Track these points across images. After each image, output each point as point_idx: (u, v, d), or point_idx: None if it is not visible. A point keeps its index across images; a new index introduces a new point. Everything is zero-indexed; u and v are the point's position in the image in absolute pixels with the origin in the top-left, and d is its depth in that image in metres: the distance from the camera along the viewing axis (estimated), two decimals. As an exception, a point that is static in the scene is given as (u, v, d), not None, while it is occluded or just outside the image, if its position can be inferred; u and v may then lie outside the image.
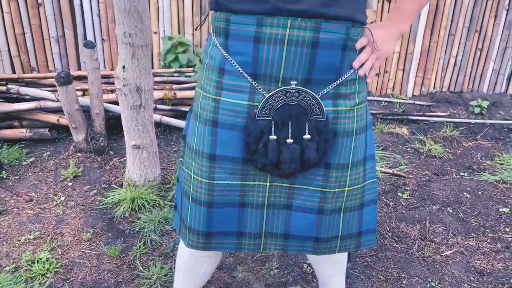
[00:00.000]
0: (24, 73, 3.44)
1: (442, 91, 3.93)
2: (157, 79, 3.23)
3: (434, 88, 3.88)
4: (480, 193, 2.42)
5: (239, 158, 1.01)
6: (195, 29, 2.46)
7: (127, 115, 2.03)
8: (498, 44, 3.77)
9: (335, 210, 1.07)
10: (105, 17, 3.41)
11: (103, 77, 3.19)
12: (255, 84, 0.96)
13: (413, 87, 3.84)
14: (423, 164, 2.77)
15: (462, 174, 2.65)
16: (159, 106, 2.76)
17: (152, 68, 3.02)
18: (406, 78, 3.80)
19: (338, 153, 1.02)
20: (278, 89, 0.95)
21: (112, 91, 2.93)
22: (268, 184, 1.04)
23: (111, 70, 3.48)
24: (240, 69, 0.96)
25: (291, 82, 0.94)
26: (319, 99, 0.96)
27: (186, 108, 2.81)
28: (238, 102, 0.98)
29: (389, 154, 2.84)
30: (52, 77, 3.10)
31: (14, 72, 3.43)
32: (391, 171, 2.57)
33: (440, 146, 2.99)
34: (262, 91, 0.96)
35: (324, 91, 0.98)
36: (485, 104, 3.63)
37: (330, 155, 1.01)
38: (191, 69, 3.35)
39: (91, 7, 3.37)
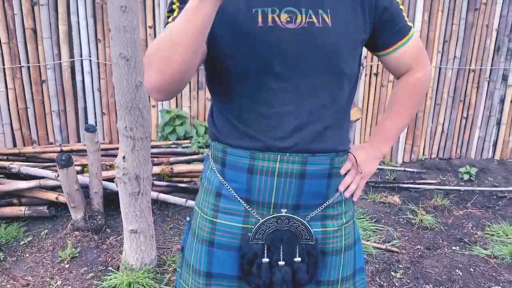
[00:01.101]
0: (24, 145, 3.54)
1: (431, 158, 4.06)
2: (155, 150, 3.33)
3: (423, 155, 4.01)
4: (472, 269, 2.46)
5: (234, 276, 1.07)
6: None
7: (125, 201, 2.10)
8: (482, 113, 3.95)
9: (327, 321, 1.12)
10: (106, 91, 3.56)
11: (103, 149, 3.28)
12: (249, 208, 1.04)
13: (403, 154, 3.96)
14: (415, 237, 2.82)
15: (454, 248, 2.69)
16: (156, 182, 2.83)
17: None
18: (396, 146, 3.93)
19: (328, 271, 1.08)
20: (270, 216, 1.02)
21: (111, 166, 3.02)
22: (262, 298, 1.09)
23: (110, 143, 3.59)
24: (235, 194, 1.05)
25: (282, 210, 1.02)
26: (308, 225, 1.03)
27: (182, 184, 2.89)
28: (233, 224, 1.05)
29: (382, 226, 2.90)
30: (52, 152, 3.20)
31: (15, 144, 3.52)
32: (384, 246, 2.61)
33: (432, 216, 3.06)
34: (256, 214, 1.04)
35: (312, 214, 1.05)
36: (473, 171, 3.74)
37: (320, 273, 1.07)
38: (188, 141, 3.47)
39: (92, 82, 3.53)
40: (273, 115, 0.99)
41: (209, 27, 0.83)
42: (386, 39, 1.07)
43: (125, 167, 2.01)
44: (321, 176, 1.03)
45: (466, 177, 3.72)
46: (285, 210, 1.02)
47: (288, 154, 1.00)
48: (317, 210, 1.06)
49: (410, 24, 1.10)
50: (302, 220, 1.03)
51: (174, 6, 0.97)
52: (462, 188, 3.54)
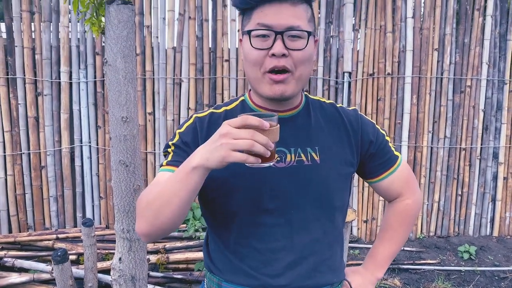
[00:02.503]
0: (20, 230, 3.51)
1: (430, 236, 4.03)
2: (151, 235, 3.30)
3: (421, 233, 3.99)
4: None
5: None
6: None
7: (120, 303, 2.05)
8: (477, 190, 3.98)
9: None
10: (104, 176, 3.60)
11: (99, 235, 3.26)
12: None
13: (401, 232, 3.93)
14: (419, 327, 2.74)
15: None
16: (151, 273, 2.78)
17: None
18: (394, 224, 3.92)
19: None
20: None
21: (107, 255, 2.98)
22: None
23: (106, 228, 3.57)
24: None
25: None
26: None
27: (178, 275, 2.84)
28: None
29: (383, 316, 2.82)
30: (48, 239, 3.17)
31: (10, 230, 3.49)
32: None
33: (434, 302, 2.99)
34: None
35: None
36: (472, 249, 3.70)
37: None
38: (184, 225, 3.45)
39: (91, 167, 3.58)
40: (267, 251, 1.01)
41: (199, 187, 0.86)
42: (374, 169, 1.13)
43: (121, 269, 1.99)
44: (318, 308, 1.04)
45: (466, 256, 3.68)
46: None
47: (286, 300, 1.01)
48: None
49: (397, 153, 1.16)
50: None
51: (169, 150, 1.03)
52: (463, 269, 3.49)
